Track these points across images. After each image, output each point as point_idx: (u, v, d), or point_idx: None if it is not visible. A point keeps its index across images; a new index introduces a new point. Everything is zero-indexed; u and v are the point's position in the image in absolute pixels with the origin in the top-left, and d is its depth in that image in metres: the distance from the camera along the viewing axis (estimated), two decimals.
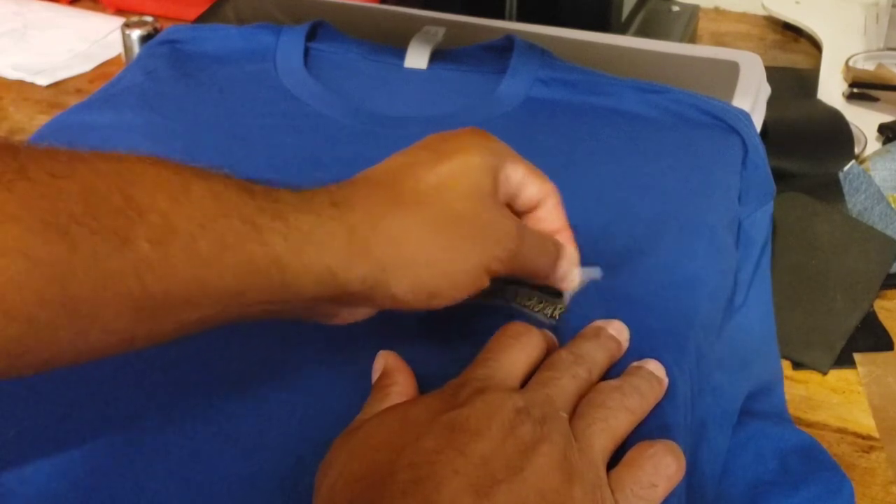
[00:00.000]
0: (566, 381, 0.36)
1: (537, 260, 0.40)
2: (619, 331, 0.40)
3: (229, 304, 0.32)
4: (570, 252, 0.42)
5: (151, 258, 0.30)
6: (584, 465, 0.32)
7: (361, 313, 0.38)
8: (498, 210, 0.38)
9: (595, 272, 0.44)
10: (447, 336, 0.42)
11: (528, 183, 0.40)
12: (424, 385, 0.38)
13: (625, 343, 0.40)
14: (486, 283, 0.37)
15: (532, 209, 0.41)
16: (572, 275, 0.42)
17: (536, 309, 0.44)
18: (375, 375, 0.39)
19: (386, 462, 0.31)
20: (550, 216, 0.41)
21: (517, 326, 0.38)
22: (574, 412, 0.35)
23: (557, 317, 0.43)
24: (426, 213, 0.36)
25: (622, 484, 0.33)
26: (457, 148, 0.38)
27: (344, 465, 0.32)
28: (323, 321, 0.38)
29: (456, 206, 0.36)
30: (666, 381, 0.38)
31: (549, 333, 0.40)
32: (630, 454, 0.34)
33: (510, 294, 0.44)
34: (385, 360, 0.39)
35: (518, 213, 0.41)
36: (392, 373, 0.38)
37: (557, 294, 0.43)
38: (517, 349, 0.37)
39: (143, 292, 0.30)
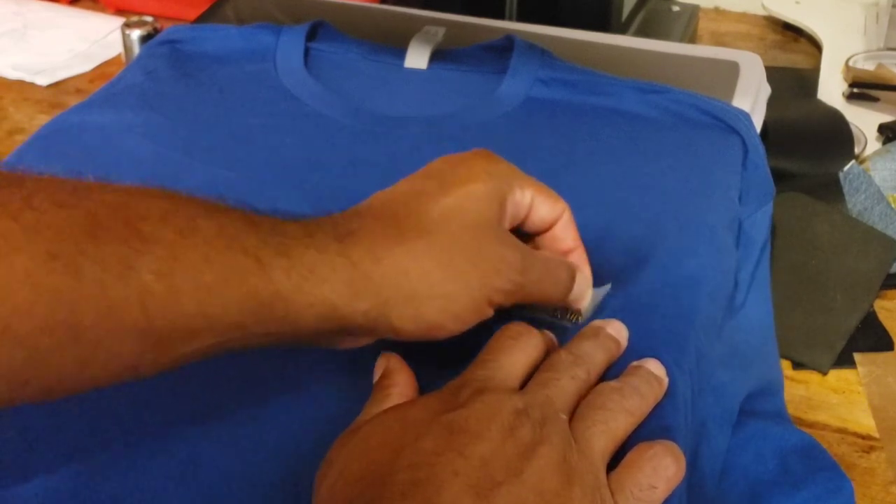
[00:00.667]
0: (565, 381, 0.36)
1: (547, 288, 0.40)
2: (617, 330, 0.40)
3: (232, 335, 0.33)
4: (584, 273, 0.42)
5: (155, 289, 0.30)
6: (583, 466, 0.32)
7: (362, 341, 0.38)
8: (502, 240, 0.38)
9: (607, 289, 0.43)
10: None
11: (538, 205, 0.40)
12: (424, 385, 0.38)
13: (623, 342, 0.40)
14: (489, 314, 0.37)
15: (545, 229, 0.41)
16: (586, 296, 0.42)
17: (556, 317, 0.43)
18: (376, 376, 0.39)
19: (385, 463, 0.31)
20: (563, 235, 0.41)
21: (517, 327, 0.38)
22: (574, 413, 0.35)
23: (575, 319, 0.43)
24: (429, 246, 0.36)
25: (622, 485, 0.33)
26: (463, 177, 0.38)
27: (344, 465, 0.32)
28: (323, 347, 0.38)
29: (459, 237, 0.36)
30: (666, 380, 0.38)
31: (549, 334, 0.40)
32: (630, 456, 0.34)
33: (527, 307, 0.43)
34: (387, 361, 0.39)
35: (530, 233, 0.41)
36: (393, 374, 0.38)
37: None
38: (517, 350, 0.37)
39: (147, 322, 0.30)
